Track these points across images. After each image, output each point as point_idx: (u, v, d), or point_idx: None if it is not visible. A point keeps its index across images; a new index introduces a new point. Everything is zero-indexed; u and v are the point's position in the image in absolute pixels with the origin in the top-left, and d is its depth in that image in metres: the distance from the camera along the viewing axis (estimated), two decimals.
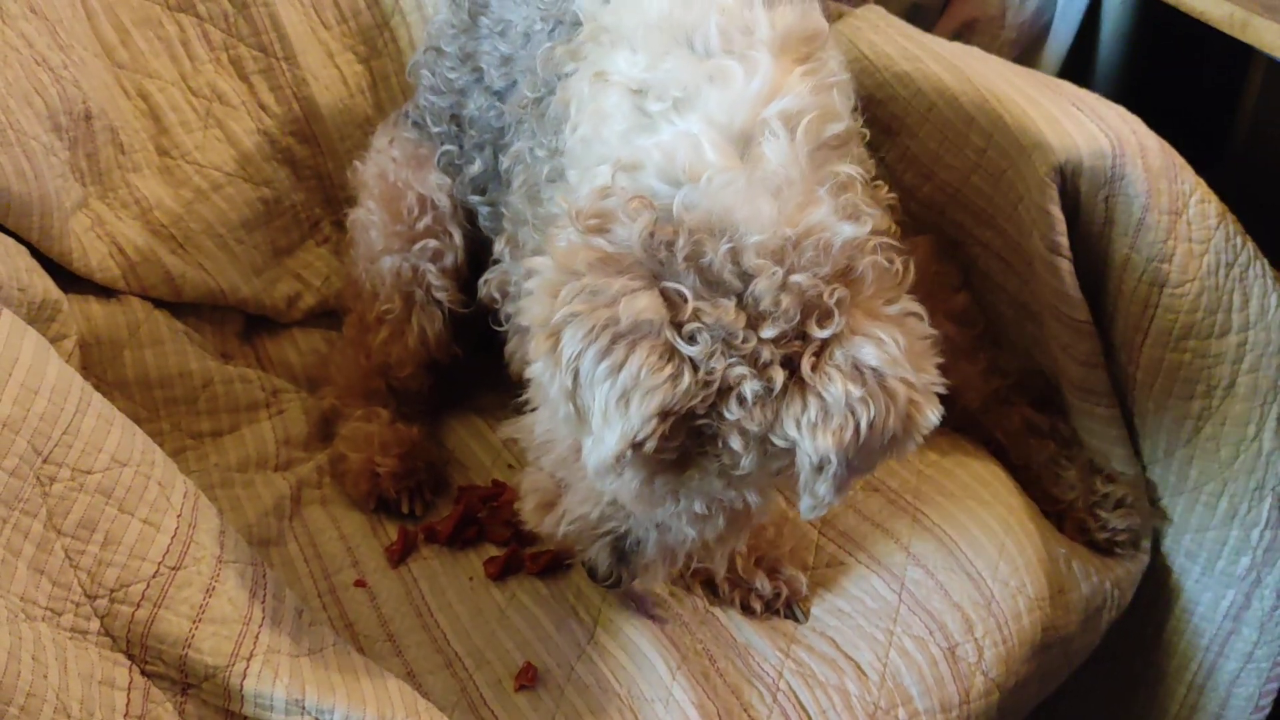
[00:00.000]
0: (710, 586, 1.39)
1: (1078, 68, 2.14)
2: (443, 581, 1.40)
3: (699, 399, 0.95)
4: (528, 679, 1.28)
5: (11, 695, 0.94)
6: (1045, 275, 1.45)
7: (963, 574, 1.41)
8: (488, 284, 1.43)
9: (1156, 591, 1.60)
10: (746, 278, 0.96)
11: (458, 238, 1.54)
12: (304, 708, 1.08)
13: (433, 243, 1.53)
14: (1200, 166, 1.45)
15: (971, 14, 2.12)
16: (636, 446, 0.95)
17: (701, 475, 1.02)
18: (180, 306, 1.66)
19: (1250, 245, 1.43)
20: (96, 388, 1.19)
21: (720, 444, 0.99)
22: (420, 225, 1.52)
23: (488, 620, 1.35)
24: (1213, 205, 1.42)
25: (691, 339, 0.95)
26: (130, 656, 1.07)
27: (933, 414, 0.99)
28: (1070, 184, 1.42)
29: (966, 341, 1.55)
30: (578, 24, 1.21)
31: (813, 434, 0.96)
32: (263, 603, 1.13)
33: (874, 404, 0.95)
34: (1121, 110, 1.46)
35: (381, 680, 1.14)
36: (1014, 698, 1.43)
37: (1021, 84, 1.50)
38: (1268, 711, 1.59)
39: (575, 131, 1.16)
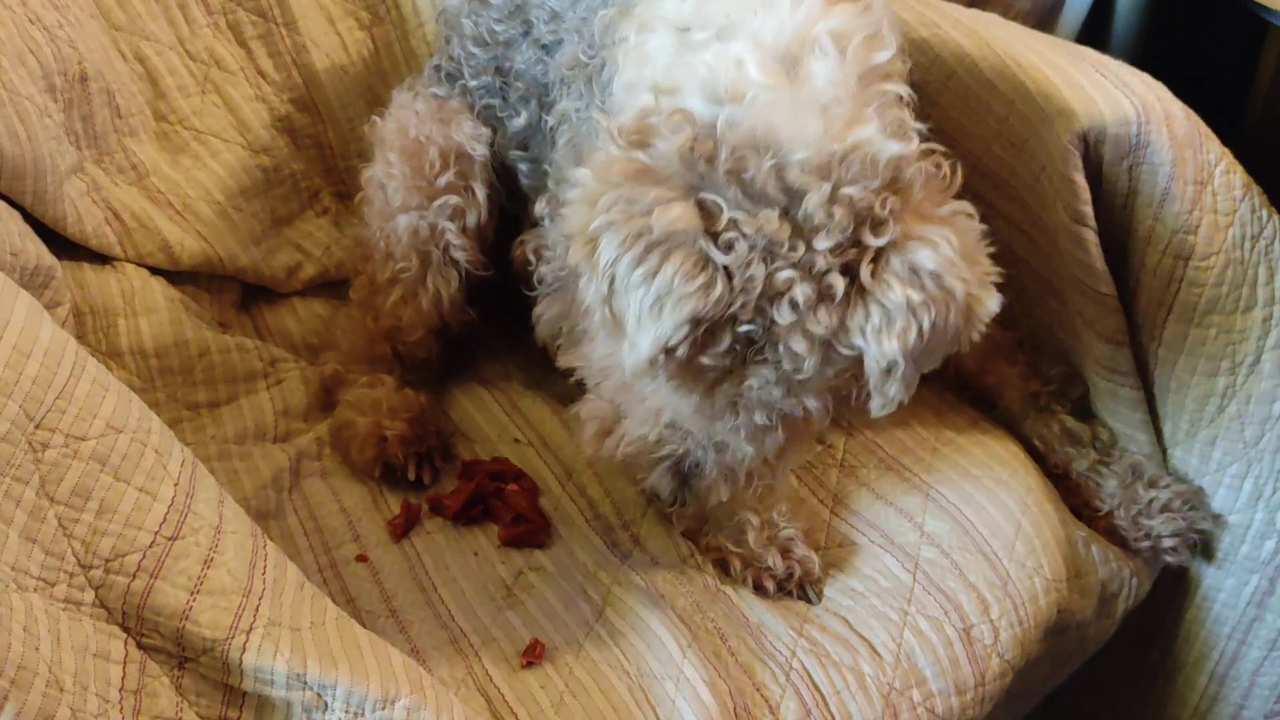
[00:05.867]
0: (722, 565, 1.37)
1: (1093, 39, 2.11)
2: (447, 557, 1.37)
3: (738, 305, 0.98)
4: (535, 656, 1.25)
5: (1, 668, 0.90)
6: (1069, 248, 1.42)
7: (978, 554, 1.39)
8: (523, 245, 1.41)
9: (1176, 579, 1.56)
10: (792, 193, 0.98)
11: (481, 195, 1.49)
12: (305, 682, 1.04)
13: (454, 199, 1.48)
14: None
15: None
16: (669, 352, 0.99)
17: (761, 384, 1.04)
18: (177, 275, 1.62)
19: (1276, 218, 1.39)
20: (91, 356, 1.16)
21: (779, 349, 1.01)
22: (441, 181, 1.48)
23: (494, 596, 1.32)
24: (1238, 176, 1.39)
25: (728, 247, 0.97)
26: (126, 629, 1.03)
27: (991, 303, 1.03)
28: (1093, 152, 1.38)
29: (1007, 343, 1.55)
30: None
31: (878, 340, 0.99)
32: (263, 574, 1.10)
33: (934, 306, 0.99)
34: (1146, 77, 1.42)
35: (385, 654, 1.10)
36: (1023, 679, 1.40)
37: (1043, 50, 1.46)
38: None
39: (620, 78, 1.17)
